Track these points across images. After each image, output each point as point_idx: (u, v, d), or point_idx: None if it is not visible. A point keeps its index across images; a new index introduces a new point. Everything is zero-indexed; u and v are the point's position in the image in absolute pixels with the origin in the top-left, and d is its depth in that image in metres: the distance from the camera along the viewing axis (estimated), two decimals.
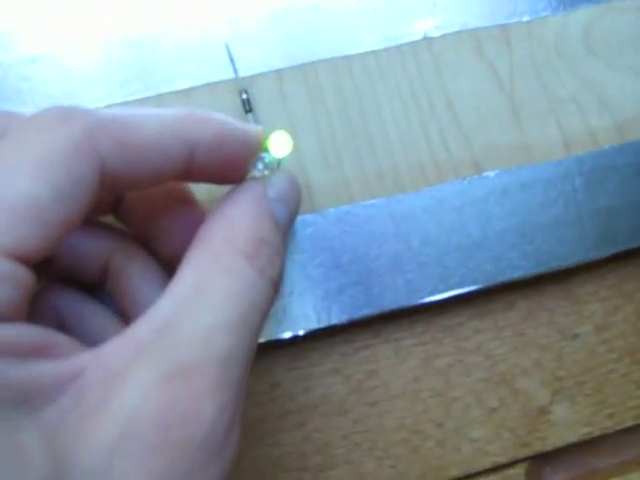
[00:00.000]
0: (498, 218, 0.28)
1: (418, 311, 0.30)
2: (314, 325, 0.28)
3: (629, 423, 0.32)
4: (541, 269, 0.29)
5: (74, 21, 0.28)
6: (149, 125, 0.20)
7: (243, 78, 0.26)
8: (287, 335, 0.28)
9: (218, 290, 0.20)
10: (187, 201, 0.25)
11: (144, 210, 0.24)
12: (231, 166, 0.22)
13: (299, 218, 0.27)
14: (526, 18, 0.29)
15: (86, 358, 0.18)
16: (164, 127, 0.20)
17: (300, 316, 0.28)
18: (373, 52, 0.27)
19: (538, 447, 0.31)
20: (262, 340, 0.28)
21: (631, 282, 0.32)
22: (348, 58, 0.27)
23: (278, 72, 0.27)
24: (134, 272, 0.24)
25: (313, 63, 0.27)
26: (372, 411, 0.30)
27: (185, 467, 0.18)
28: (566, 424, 0.31)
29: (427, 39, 0.28)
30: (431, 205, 0.28)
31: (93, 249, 0.24)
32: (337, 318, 0.27)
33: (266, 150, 0.23)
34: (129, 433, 0.18)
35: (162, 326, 0.19)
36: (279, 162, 0.24)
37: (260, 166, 0.23)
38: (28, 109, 0.20)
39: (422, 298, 0.28)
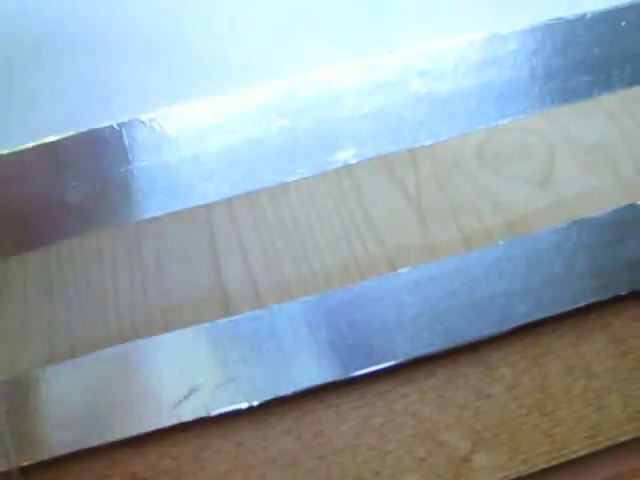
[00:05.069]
0: (412, 306, 0.36)
1: (354, 381, 0.37)
2: (264, 397, 0.36)
3: (541, 466, 0.39)
4: (451, 344, 0.37)
5: None
6: None
7: (200, 206, 0.35)
8: (244, 405, 0.36)
9: None
10: None
11: None
12: None
13: (249, 313, 0.35)
14: (428, 142, 0.36)
15: None
16: None
17: (251, 391, 0.35)
18: (305, 179, 0.36)
19: None
20: (227, 409, 0.36)
21: (534, 348, 0.39)
22: (284, 185, 0.36)
23: (229, 200, 0.35)
24: None
25: (256, 191, 0.35)
26: (320, 463, 0.38)
27: None
28: (486, 470, 0.39)
29: (347, 165, 0.36)
30: (355, 299, 0.36)
31: None
32: (281, 392, 0.35)
33: None
34: None
35: None
36: None
37: None
38: None
39: (353, 372, 0.36)
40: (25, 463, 0.35)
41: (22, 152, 0.35)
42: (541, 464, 0.39)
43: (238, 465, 0.38)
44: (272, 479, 0.38)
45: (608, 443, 0.40)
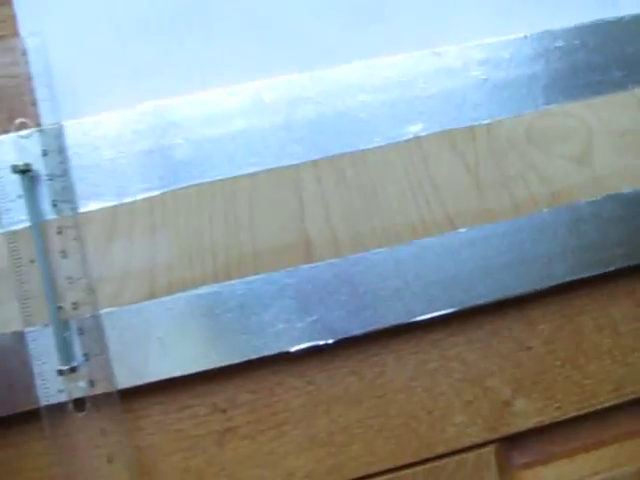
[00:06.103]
0: (468, 261, 0.42)
1: (412, 329, 0.43)
2: (338, 336, 0.41)
3: (572, 414, 0.44)
4: (500, 296, 0.42)
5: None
6: None
7: (290, 166, 0.40)
8: (321, 342, 0.41)
9: None
10: None
11: None
12: None
13: (329, 261, 0.40)
14: (486, 121, 0.42)
15: None
16: None
17: (327, 330, 0.41)
18: (380, 147, 0.41)
19: (504, 431, 0.44)
20: (305, 346, 0.41)
21: (570, 308, 0.44)
22: (363, 151, 0.41)
23: (315, 161, 0.41)
24: None
25: (339, 155, 0.41)
26: (380, 401, 0.43)
27: None
28: (525, 414, 0.44)
29: (416, 137, 0.42)
30: (420, 252, 0.41)
31: None
32: (353, 331, 0.41)
33: None
34: None
35: None
36: None
37: None
38: None
39: (414, 317, 0.41)
40: (122, 387, 0.40)
41: None
42: (572, 412, 0.45)
43: (308, 400, 0.42)
44: (337, 414, 0.43)
45: (631, 396, 0.45)
